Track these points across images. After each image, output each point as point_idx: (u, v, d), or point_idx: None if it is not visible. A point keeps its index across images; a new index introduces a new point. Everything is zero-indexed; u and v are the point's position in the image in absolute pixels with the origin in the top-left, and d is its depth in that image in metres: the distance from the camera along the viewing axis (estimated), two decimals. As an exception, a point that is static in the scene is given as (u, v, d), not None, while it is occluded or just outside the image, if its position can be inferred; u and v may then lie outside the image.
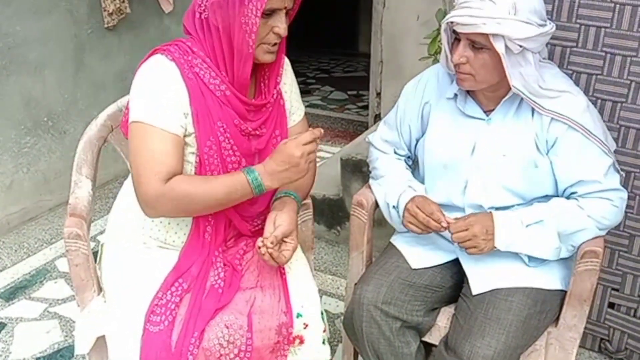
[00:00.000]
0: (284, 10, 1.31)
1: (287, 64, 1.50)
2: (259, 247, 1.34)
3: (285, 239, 1.37)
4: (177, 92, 1.31)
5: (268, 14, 1.29)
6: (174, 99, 1.31)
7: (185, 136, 1.34)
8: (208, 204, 1.32)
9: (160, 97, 1.30)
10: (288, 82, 1.51)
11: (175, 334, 1.29)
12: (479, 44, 1.34)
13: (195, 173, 1.36)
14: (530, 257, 1.47)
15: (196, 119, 1.32)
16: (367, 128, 3.48)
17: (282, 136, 1.46)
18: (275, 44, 1.34)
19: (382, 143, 1.69)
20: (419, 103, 1.60)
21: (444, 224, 1.43)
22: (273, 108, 1.43)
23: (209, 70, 1.33)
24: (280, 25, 1.31)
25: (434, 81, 1.58)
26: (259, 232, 1.43)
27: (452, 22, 1.36)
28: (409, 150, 1.67)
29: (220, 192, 1.31)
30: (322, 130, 1.33)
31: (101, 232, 2.77)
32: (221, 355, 1.29)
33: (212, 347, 1.29)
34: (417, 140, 1.64)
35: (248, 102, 1.37)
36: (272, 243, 1.33)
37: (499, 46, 1.31)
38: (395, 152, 1.68)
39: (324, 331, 1.44)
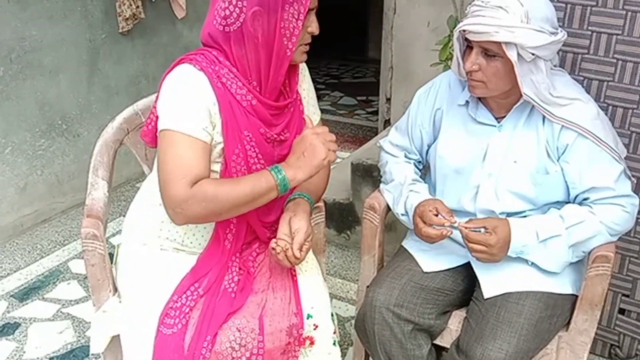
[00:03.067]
0: (314, 10, 1.34)
1: (305, 68, 1.52)
2: (273, 248, 1.36)
3: None
4: (206, 101, 1.31)
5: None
6: (203, 107, 1.30)
7: (212, 146, 1.34)
8: (235, 202, 1.29)
9: (188, 104, 1.30)
10: (306, 87, 1.52)
11: (188, 337, 1.30)
12: (492, 52, 1.36)
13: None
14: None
15: (225, 128, 1.33)
16: (376, 133, 3.49)
17: None
18: (308, 44, 1.37)
19: (392, 147, 1.71)
20: (430, 109, 1.61)
21: (445, 233, 1.43)
22: (294, 110, 1.45)
23: (236, 80, 1.33)
24: (314, 24, 1.34)
25: (446, 88, 1.59)
26: (275, 237, 1.45)
27: (464, 30, 1.37)
28: (420, 155, 1.68)
29: (246, 189, 1.29)
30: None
31: (114, 234, 2.80)
32: (233, 358, 1.30)
33: (224, 351, 1.30)
34: (429, 146, 1.65)
35: (274, 105, 1.38)
36: (299, 250, 1.35)
37: (512, 54, 1.32)
38: (406, 157, 1.69)
39: (334, 333, 1.45)
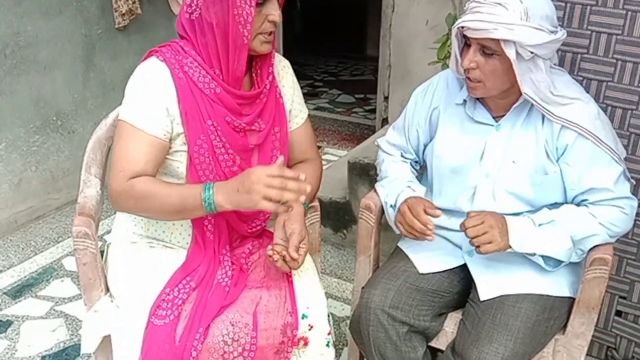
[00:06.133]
0: None
1: (287, 66, 1.52)
2: (270, 256, 1.36)
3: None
4: (164, 92, 1.34)
5: (261, 2, 1.30)
6: (160, 100, 1.34)
7: (172, 138, 1.36)
8: (164, 207, 1.31)
9: (144, 98, 1.34)
10: (288, 84, 1.51)
11: (180, 329, 1.30)
12: (490, 49, 1.34)
13: (187, 172, 1.38)
14: (545, 260, 1.45)
15: (185, 119, 1.34)
16: (374, 132, 3.48)
17: (282, 134, 1.47)
18: (270, 33, 1.36)
19: (389, 147, 1.69)
20: (427, 108, 1.60)
21: (430, 227, 1.40)
22: (268, 100, 1.44)
23: (199, 69, 1.35)
24: (275, 12, 1.33)
25: (443, 87, 1.58)
26: (257, 233, 1.46)
27: (462, 27, 1.36)
28: (417, 155, 1.67)
29: (175, 199, 1.29)
30: (303, 177, 1.23)
31: (108, 232, 2.78)
32: (225, 352, 1.29)
33: (216, 344, 1.29)
34: (425, 146, 1.63)
35: (240, 94, 1.38)
36: (296, 252, 1.35)
37: (510, 52, 1.31)
38: (403, 156, 1.68)
39: (329, 333, 1.44)
